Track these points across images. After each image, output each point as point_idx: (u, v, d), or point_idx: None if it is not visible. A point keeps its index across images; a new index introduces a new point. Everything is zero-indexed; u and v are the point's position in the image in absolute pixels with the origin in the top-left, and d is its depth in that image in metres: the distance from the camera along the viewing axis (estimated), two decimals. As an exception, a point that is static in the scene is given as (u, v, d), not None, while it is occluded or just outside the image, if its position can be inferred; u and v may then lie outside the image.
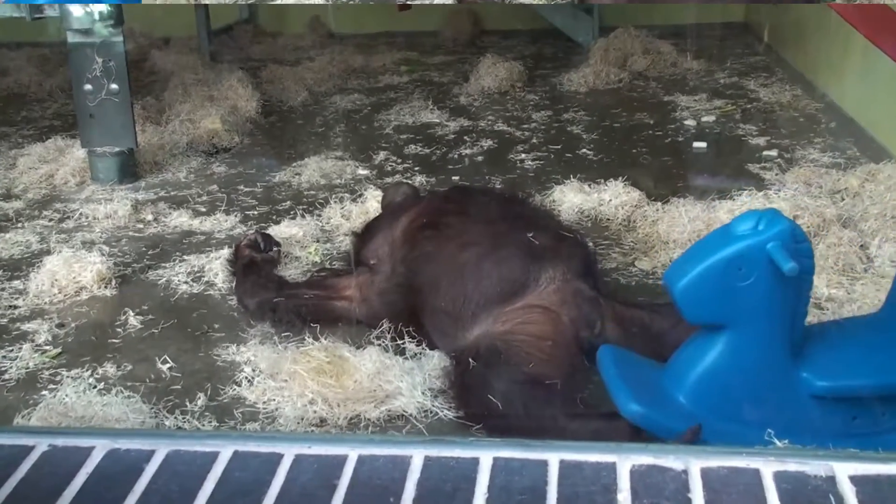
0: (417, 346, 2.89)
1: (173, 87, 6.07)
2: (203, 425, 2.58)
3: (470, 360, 2.53)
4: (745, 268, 2.09)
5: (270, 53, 7.90)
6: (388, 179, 4.67)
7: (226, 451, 1.66)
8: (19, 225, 4.19)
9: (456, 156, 5.11)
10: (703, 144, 5.12)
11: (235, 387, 2.76)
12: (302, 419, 2.52)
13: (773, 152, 4.85)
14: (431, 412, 2.57)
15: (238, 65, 6.95)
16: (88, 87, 4.50)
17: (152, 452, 1.67)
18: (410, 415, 2.55)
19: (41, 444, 1.71)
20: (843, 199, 4.01)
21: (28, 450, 1.70)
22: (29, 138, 5.58)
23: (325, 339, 2.91)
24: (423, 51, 7.99)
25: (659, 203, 4.03)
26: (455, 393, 2.56)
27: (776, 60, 6.88)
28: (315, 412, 2.54)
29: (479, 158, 5.07)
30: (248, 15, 8.89)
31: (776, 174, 4.50)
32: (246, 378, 2.78)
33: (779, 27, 7.16)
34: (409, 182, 4.41)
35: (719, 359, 2.17)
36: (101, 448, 1.69)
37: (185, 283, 3.54)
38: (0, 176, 4.88)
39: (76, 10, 4.35)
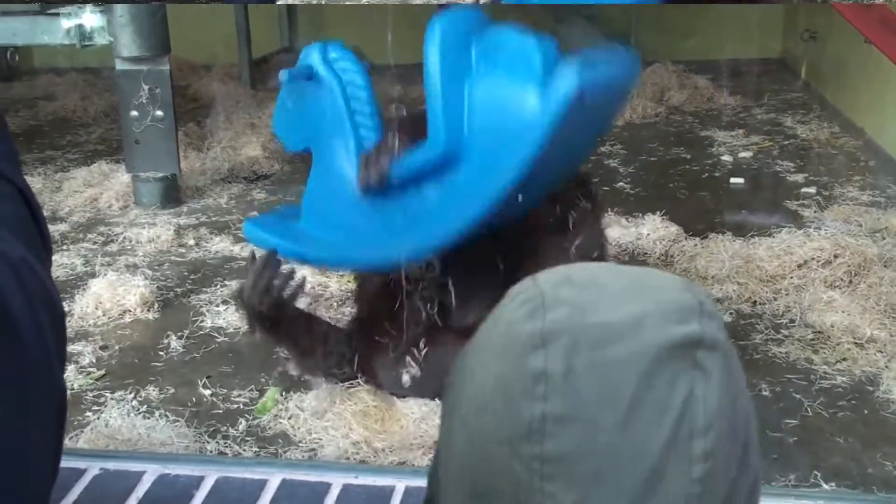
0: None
1: (215, 115, 6.15)
2: (244, 451, 2.59)
3: None
4: (299, 91, 2.54)
5: (310, 82, 7.97)
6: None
7: (274, 480, 1.67)
8: (64, 248, 4.26)
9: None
10: (740, 180, 5.11)
11: (280, 421, 2.74)
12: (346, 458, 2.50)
13: (812, 189, 4.82)
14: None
15: (278, 93, 7.01)
16: (134, 113, 4.57)
17: (202, 479, 1.69)
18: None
19: (93, 468, 1.73)
20: (883, 238, 3.98)
21: (80, 473, 1.72)
22: (74, 162, 5.67)
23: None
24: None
25: (697, 238, 4.02)
26: None
27: (814, 97, 6.85)
28: (357, 455, 2.50)
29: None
30: (288, 43, 9.00)
31: (815, 212, 4.47)
32: (285, 411, 2.77)
33: (816, 64, 7.13)
34: None
35: (313, 179, 2.54)
36: (151, 473, 1.71)
37: (227, 308, 3.57)
38: (46, 199, 4.95)
39: (125, 38, 4.43)
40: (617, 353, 0.60)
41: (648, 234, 4.10)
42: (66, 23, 4.43)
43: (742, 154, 5.59)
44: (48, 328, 0.75)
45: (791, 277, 3.52)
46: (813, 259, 3.54)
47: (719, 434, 0.60)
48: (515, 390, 0.61)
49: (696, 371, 0.61)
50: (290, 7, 8.98)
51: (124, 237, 4.35)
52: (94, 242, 4.35)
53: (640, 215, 4.32)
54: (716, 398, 0.61)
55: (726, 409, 0.61)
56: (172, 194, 4.83)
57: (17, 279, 0.73)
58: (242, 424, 2.74)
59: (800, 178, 5.07)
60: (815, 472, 2.43)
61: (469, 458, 0.64)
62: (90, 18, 4.44)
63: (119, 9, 4.37)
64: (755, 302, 3.49)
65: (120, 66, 4.52)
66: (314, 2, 8.90)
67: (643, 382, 0.60)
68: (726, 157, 5.55)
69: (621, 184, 5.12)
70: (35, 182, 5.13)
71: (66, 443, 2.52)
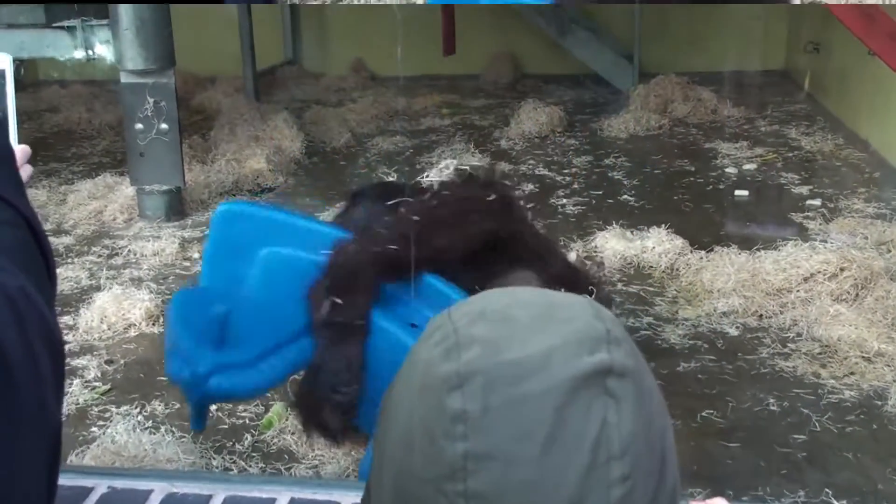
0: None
1: (220, 127, 6.15)
2: (251, 467, 2.58)
3: None
4: None
5: (314, 94, 7.99)
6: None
7: (282, 498, 1.65)
8: (69, 260, 4.25)
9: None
10: (744, 192, 5.10)
11: (284, 437, 2.73)
12: (347, 476, 2.50)
13: (817, 202, 4.81)
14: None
15: (282, 105, 7.03)
16: (139, 126, 4.57)
17: (209, 497, 1.67)
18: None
19: (100, 486, 1.72)
20: (888, 251, 3.97)
21: (87, 491, 1.70)
22: (78, 174, 5.68)
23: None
24: (463, 94, 8.05)
25: (702, 251, 4.01)
26: None
27: (817, 109, 6.85)
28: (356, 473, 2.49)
29: (520, 203, 5.06)
30: (292, 56, 9.02)
31: (820, 224, 4.46)
32: (290, 427, 2.76)
33: (820, 75, 7.14)
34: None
35: None
36: (159, 491, 1.69)
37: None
38: (51, 211, 4.95)
39: (130, 52, 4.43)
40: (531, 389, 0.62)
41: (653, 248, 4.09)
42: (73, 36, 4.44)
43: (746, 166, 5.58)
44: (44, 361, 0.74)
45: (797, 291, 3.51)
46: (819, 272, 3.52)
47: (635, 456, 0.63)
48: (436, 430, 0.64)
49: (608, 398, 0.63)
50: (293, 20, 9.00)
51: (129, 250, 4.34)
52: (99, 255, 4.34)
53: (645, 228, 4.31)
54: (629, 423, 0.63)
55: (641, 431, 0.64)
56: (177, 207, 4.82)
57: (12, 310, 0.72)
58: (248, 440, 2.73)
59: (804, 190, 5.06)
60: (827, 489, 2.41)
61: (398, 493, 0.67)
62: (96, 32, 4.45)
63: (124, 22, 4.37)
64: (761, 315, 3.48)
65: (125, 79, 4.52)
66: (312, 2, 8.90)
67: (558, 416, 0.62)
68: (731, 170, 5.54)
69: (626, 196, 5.12)
70: (40, 194, 5.13)
71: (73, 459, 2.51)
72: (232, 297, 2.10)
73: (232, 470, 2.56)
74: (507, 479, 0.62)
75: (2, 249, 0.81)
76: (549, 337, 0.65)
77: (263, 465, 2.60)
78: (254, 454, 2.65)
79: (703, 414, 2.83)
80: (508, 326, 0.66)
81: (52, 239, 4.55)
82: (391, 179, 2.67)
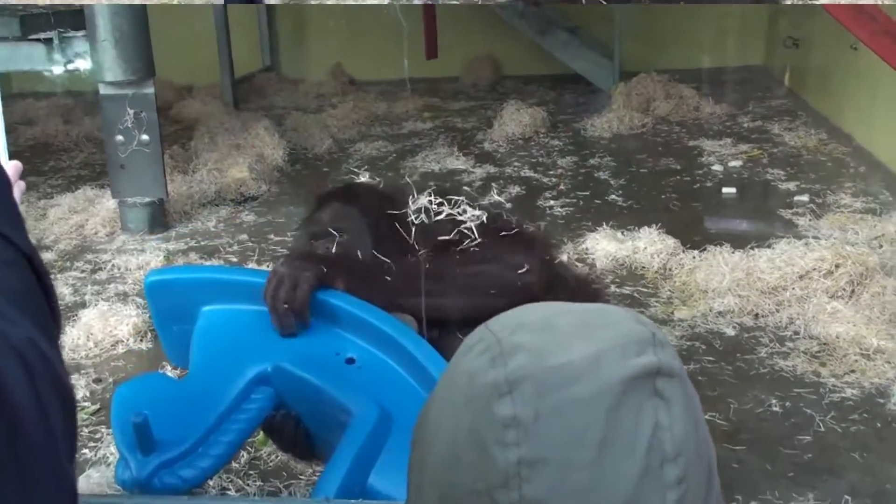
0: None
1: (200, 136, 6.07)
2: (248, 486, 2.52)
3: None
4: None
5: (293, 101, 7.92)
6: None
7: (290, 523, 1.60)
8: (52, 277, 4.15)
9: (486, 203, 5.07)
10: (732, 190, 5.08)
11: (281, 453, 2.67)
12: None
13: (805, 197, 4.79)
14: None
15: (262, 113, 6.96)
16: (120, 138, 4.49)
17: (214, 524, 1.61)
18: None
19: (99, 516, 1.66)
20: (880, 246, 3.96)
21: (87, 522, 1.64)
22: (58, 188, 5.58)
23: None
24: (444, 97, 8.01)
25: (695, 251, 3.97)
26: None
27: (798, 104, 6.86)
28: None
29: (508, 205, 5.02)
30: (269, 62, 8.94)
31: (810, 220, 4.44)
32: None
33: (800, 70, 7.15)
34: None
35: None
36: (161, 519, 1.63)
37: (221, 335, 3.50)
38: (31, 226, 4.85)
39: (109, 62, 4.35)
40: (582, 393, 0.62)
41: (645, 248, 4.05)
42: (49, 48, 4.35)
43: (732, 163, 5.57)
44: (56, 415, 0.69)
45: (793, 288, 3.48)
46: (814, 269, 3.50)
47: (688, 459, 0.63)
48: (487, 439, 0.63)
49: (658, 399, 0.64)
50: (270, 25, 8.93)
51: (113, 264, 4.25)
52: (82, 271, 4.26)
53: (635, 228, 4.27)
54: (681, 424, 0.64)
55: (691, 434, 0.64)
56: (160, 219, 4.74)
57: (21, 365, 0.68)
58: (244, 457, 2.66)
59: (791, 185, 5.05)
60: (837, 491, 2.38)
61: None
62: (73, 44, 4.37)
63: (102, 33, 4.28)
64: (757, 314, 3.45)
65: (104, 90, 4.44)
66: (293, 1, 8.84)
67: (610, 418, 0.62)
68: (716, 167, 5.53)
69: (613, 196, 5.09)
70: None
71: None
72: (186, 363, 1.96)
73: (229, 489, 2.50)
74: (563, 485, 0.61)
75: (6, 295, 0.75)
76: (594, 342, 0.65)
77: (261, 484, 2.54)
78: (251, 472, 2.59)
79: (706, 417, 2.79)
80: (551, 334, 0.66)
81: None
82: (362, 180, 2.48)
